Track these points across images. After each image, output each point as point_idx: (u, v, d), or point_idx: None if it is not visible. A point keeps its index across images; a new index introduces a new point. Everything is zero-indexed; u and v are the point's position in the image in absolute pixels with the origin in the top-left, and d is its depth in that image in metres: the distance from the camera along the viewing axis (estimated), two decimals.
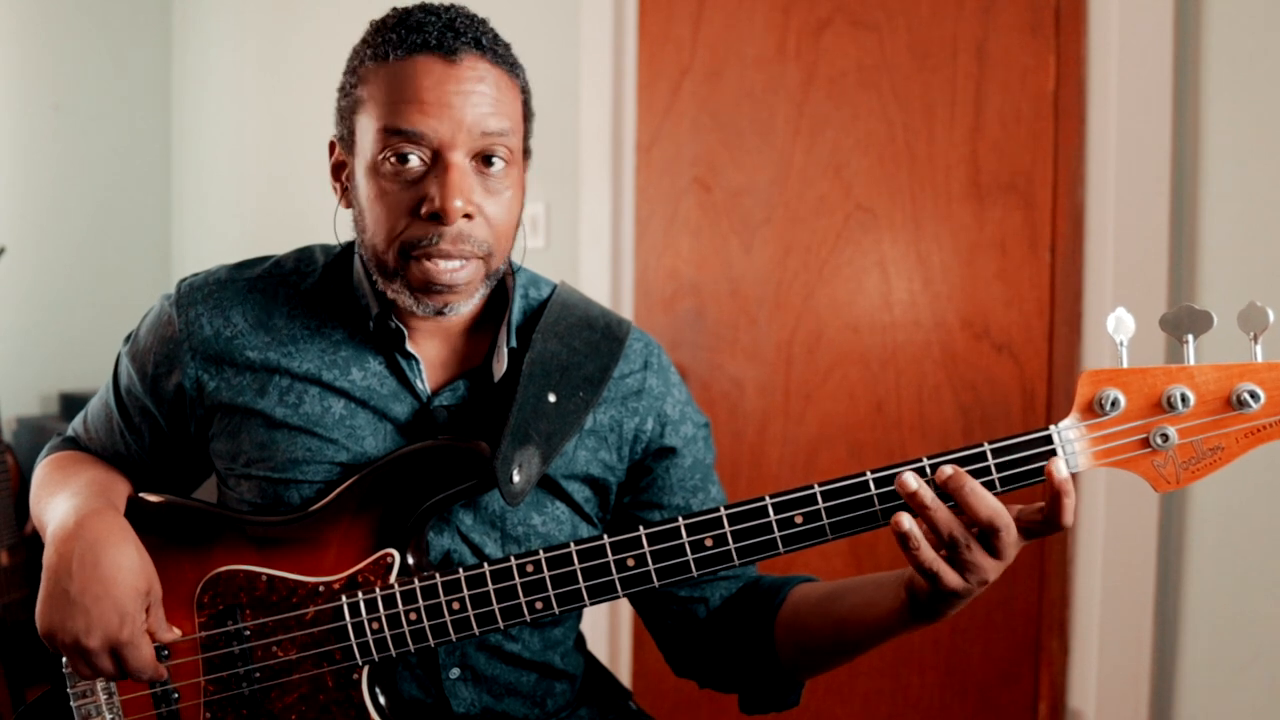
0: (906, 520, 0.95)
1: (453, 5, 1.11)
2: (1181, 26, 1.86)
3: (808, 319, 2.32)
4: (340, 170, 1.17)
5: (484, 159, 1.08)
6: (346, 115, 1.12)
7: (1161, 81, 1.87)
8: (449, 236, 1.06)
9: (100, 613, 1.02)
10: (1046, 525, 0.96)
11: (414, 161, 1.06)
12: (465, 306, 1.12)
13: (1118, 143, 1.93)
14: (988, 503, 0.95)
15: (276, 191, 3.33)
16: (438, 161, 1.06)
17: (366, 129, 1.08)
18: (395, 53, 1.06)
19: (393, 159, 1.06)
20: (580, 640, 1.32)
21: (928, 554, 0.95)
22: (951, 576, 0.96)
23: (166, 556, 1.12)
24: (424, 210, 1.05)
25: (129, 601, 1.03)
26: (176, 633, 1.09)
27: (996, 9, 2.10)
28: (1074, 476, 0.97)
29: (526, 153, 1.16)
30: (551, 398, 1.14)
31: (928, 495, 0.96)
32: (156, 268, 3.64)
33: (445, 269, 1.07)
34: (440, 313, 1.11)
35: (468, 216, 1.06)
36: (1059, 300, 2.06)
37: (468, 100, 1.05)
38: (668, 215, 2.47)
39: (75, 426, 1.33)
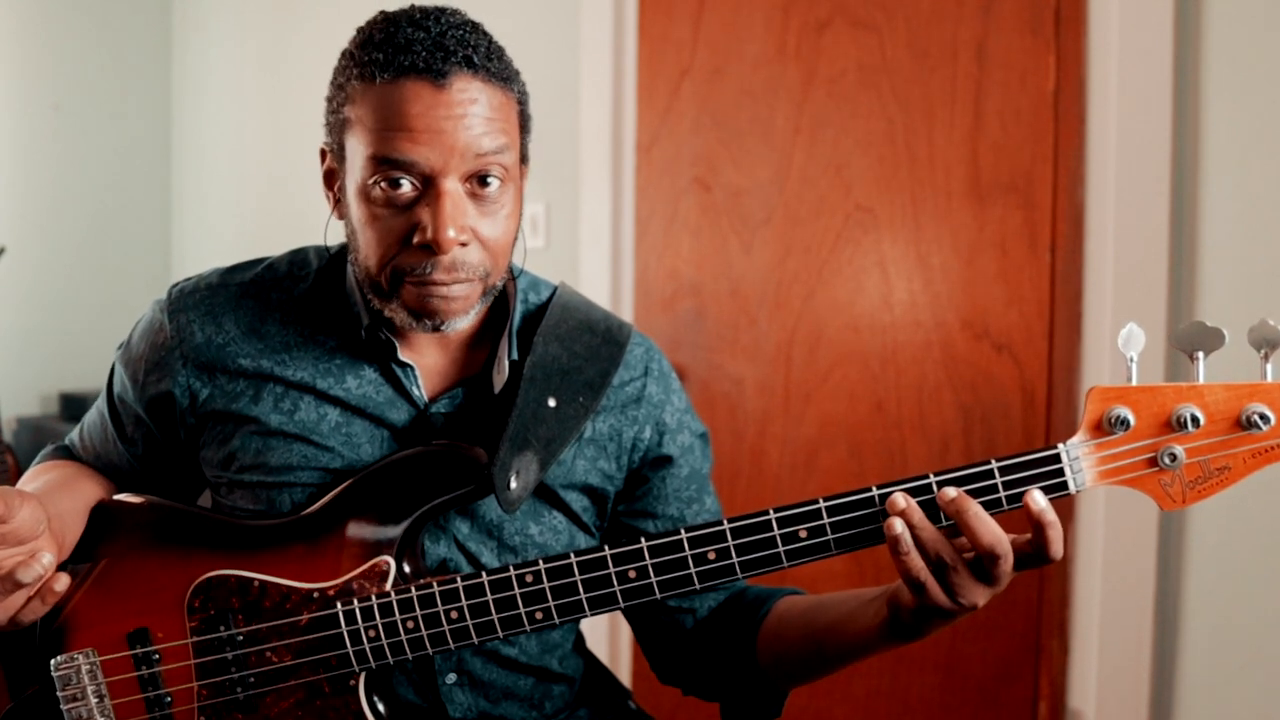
0: (899, 524, 0.95)
1: (443, 16, 1.06)
2: (1181, 26, 1.85)
3: (808, 319, 2.32)
4: (331, 179, 1.15)
5: (479, 180, 1.05)
6: (335, 130, 1.09)
7: (1161, 81, 1.86)
8: (443, 265, 1.04)
9: None
10: (1036, 558, 0.96)
11: (405, 187, 1.03)
12: (463, 323, 1.10)
13: (1118, 143, 1.93)
14: (990, 529, 0.94)
15: (276, 191, 3.33)
16: (430, 188, 1.03)
17: (356, 152, 1.05)
18: (383, 75, 1.02)
19: (383, 184, 1.03)
20: (580, 641, 1.31)
21: (916, 562, 0.95)
22: (937, 592, 0.95)
23: (152, 558, 1.10)
24: (416, 239, 1.03)
25: None
26: (48, 559, 1.01)
27: (996, 9, 2.09)
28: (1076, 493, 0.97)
29: (524, 160, 1.14)
30: (551, 402, 1.13)
31: (916, 514, 0.95)
32: (156, 268, 3.64)
33: (439, 293, 1.05)
34: (437, 329, 1.09)
35: (462, 244, 1.04)
36: (1059, 300, 2.06)
37: (459, 124, 1.02)
38: (668, 215, 2.47)
39: (72, 435, 1.32)
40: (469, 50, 1.04)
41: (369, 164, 1.03)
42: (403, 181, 1.03)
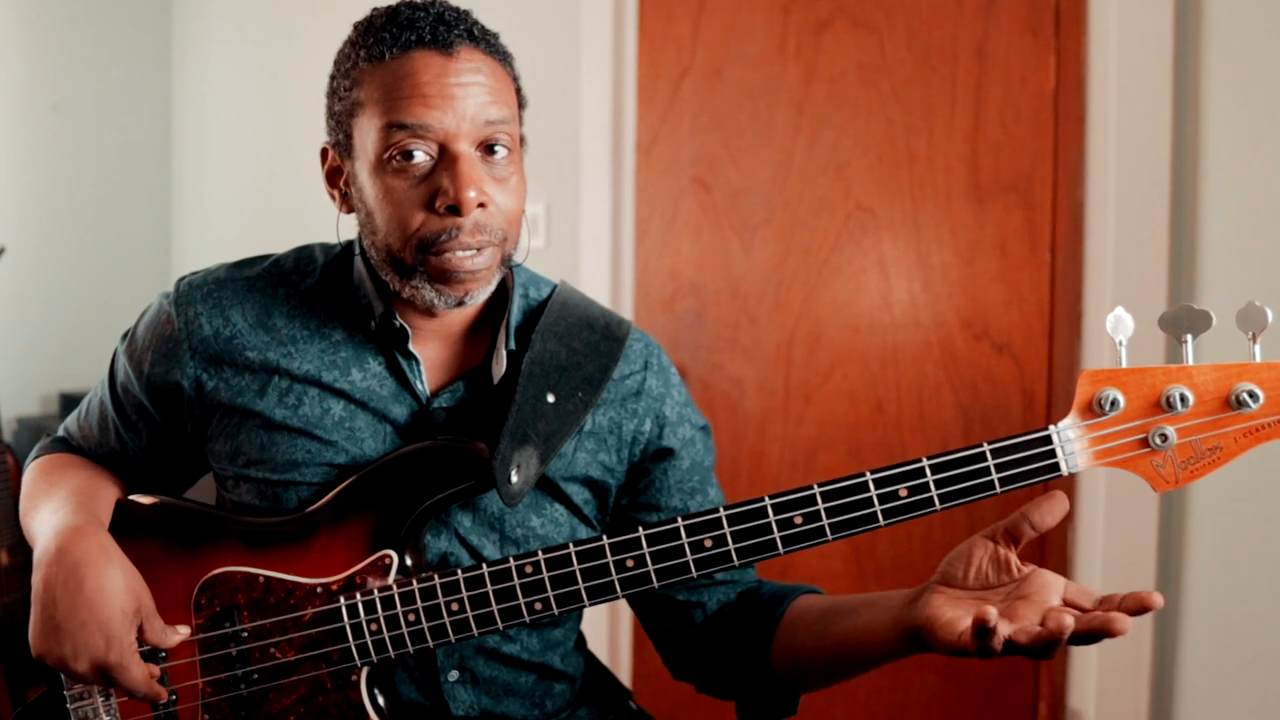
0: (992, 614, 0.88)
1: (437, 1, 1.11)
2: (1181, 26, 1.86)
3: (808, 319, 2.32)
4: (335, 177, 1.16)
5: (487, 148, 1.08)
6: (343, 119, 1.11)
7: (1161, 81, 1.87)
8: (467, 228, 1.06)
9: (86, 638, 1.02)
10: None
11: (420, 157, 1.06)
12: (484, 293, 1.12)
13: (1118, 143, 1.93)
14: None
15: (276, 191, 3.33)
16: (444, 154, 1.06)
17: (368, 129, 1.07)
18: (390, 51, 1.06)
19: (398, 156, 1.06)
20: (580, 640, 1.31)
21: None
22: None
23: (161, 558, 1.11)
24: (438, 204, 1.06)
25: (115, 624, 1.03)
26: (182, 632, 1.09)
27: (996, 9, 2.10)
28: (1073, 476, 0.97)
29: (522, 140, 1.16)
30: (550, 398, 1.14)
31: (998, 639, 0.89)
32: (156, 268, 3.63)
33: (465, 258, 1.07)
34: (461, 302, 1.11)
35: (481, 205, 1.07)
36: (1059, 300, 2.06)
37: (468, 91, 1.06)
38: (668, 215, 2.47)
39: (67, 426, 1.32)
40: (469, 24, 1.09)
41: (383, 134, 1.06)
42: (417, 150, 1.05)
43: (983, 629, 0.88)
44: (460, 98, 1.05)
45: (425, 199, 1.06)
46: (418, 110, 1.04)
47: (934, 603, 0.96)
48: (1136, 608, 0.88)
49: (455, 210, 1.05)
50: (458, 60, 1.06)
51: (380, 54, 1.07)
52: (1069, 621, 0.86)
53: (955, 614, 0.94)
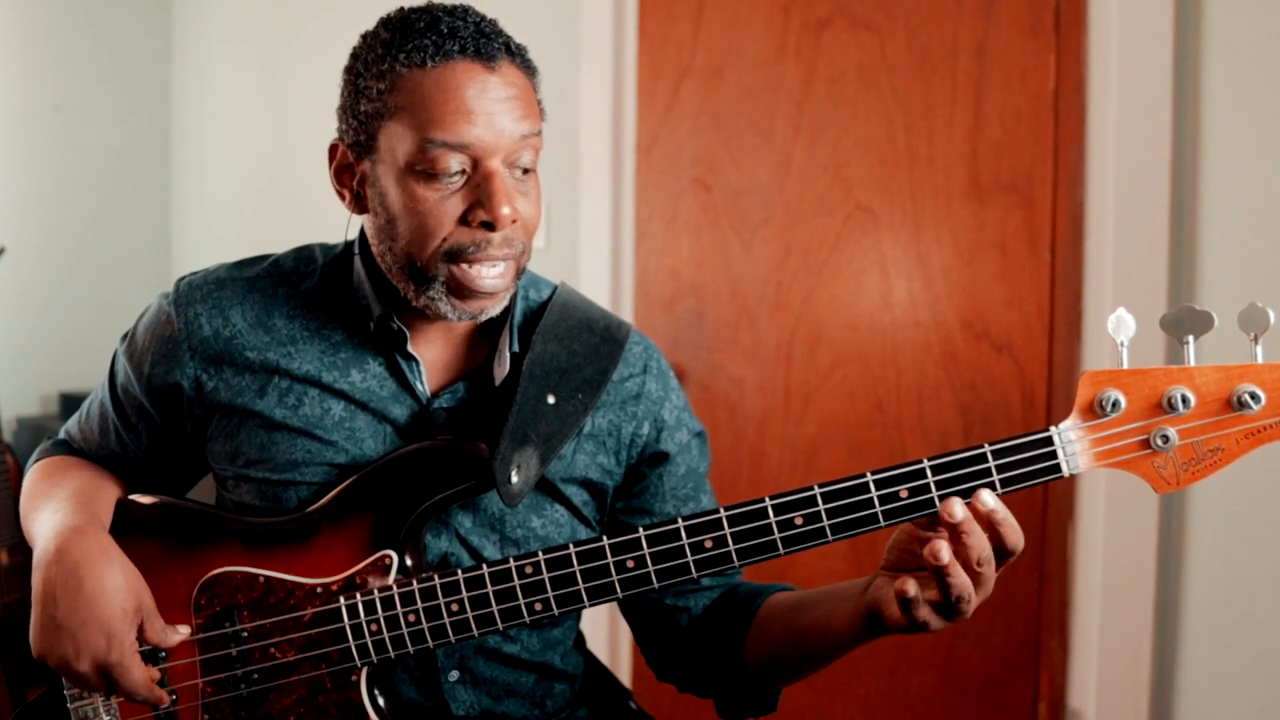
0: (945, 552, 0.93)
1: (470, 11, 1.09)
2: (1181, 26, 1.86)
3: (808, 319, 2.32)
4: (345, 175, 1.14)
5: (516, 163, 1.08)
6: (368, 120, 1.08)
7: (1161, 81, 1.87)
8: (496, 242, 1.07)
9: (86, 637, 1.02)
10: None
11: (455, 169, 1.05)
12: (497, 309, 1.13)
13: (1118, 143, 1.93)
14: (1018, 530, 0.95)
15: (276, 191, 3.33)
16: (478, 169, 1.06)
17: (401, 136, 1.06)
18: (433, 60, 1.05)
19: (433, 168, 1.05)
20: (580, 640, 1.32)
21: (961, 579, 0.94)
22: (939, 624, 0.97)
23: (161, 558, 1.11)
24: (473, 218, 1.06)
25: (116, 623, 1.03)
26: (183, 631, 1.09)
27: (996, 9, 2.10)
28: (1074, 477, 0.97)
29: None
30: (550, 399, 1.14)
31: (973, 525, 0.95)
32: (156, 268, 3.63)
33: (488, 273, 1.08)
34: (474, 317, 1.11)
35: (513, 221, 1.07)
36: (1059, 300, 2.06)
37: (506, 108, 1.06)
38: (668, 215, 2.47)
39: (68, 428, 1.32)
40: (506, 38, 1.09)
41: (420, 145, 1.05)
42: (453, 164, 1.05)
43: (904, 600, 0.95)
44: (499, 114, 1.05)
45: (459, 213, 1.06)
46: (460, 127, 1.04)
47: (879, 585, 1.01)
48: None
49: (489, 226, 1.06)
50: (499, 74, 1.06)
51: (420, 60, 1.05)
52: (940, 546, 0.93)
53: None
